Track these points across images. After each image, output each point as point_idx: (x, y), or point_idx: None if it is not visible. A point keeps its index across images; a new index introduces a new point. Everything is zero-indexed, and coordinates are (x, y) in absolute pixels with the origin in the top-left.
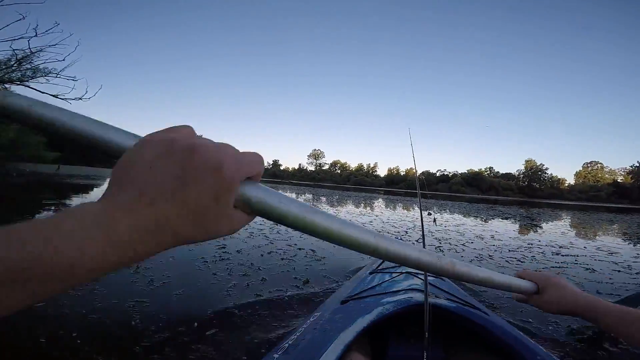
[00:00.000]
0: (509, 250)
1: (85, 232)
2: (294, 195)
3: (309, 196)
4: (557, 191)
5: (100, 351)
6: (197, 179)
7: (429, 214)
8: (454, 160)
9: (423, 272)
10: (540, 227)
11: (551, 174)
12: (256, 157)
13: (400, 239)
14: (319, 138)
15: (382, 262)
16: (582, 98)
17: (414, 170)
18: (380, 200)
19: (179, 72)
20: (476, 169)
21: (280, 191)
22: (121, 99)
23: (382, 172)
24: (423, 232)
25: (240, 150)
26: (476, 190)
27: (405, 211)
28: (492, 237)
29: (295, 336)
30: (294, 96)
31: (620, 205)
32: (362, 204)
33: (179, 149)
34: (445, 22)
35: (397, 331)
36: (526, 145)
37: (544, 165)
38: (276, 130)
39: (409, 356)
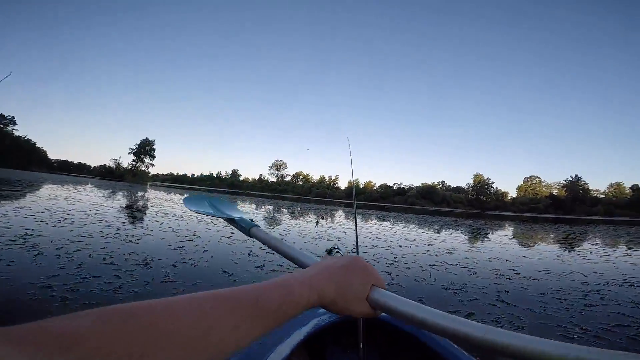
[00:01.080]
0: (585, 306)
1: (300, 295)
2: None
3: (270, 207)
4: (502, 203)
5: None
6: (354, 272)
7: (317, 222)
8: (410, 174)
9: None
10: (550, 249)
11: (497, 188)
12: (380, 275)
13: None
14: (283, 150)
15: None
16: (524, 115)
17: (351, 179)
18: (340, 212)
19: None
20: (430, 183)
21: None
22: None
23: (343, 184)
24: (357, 238)
25: None
26: (430, 203)
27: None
28: (518, 274)
29: None
30: (255, 107)
31: (557, 216)
32: (320, 217)
33: (347, 260)
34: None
35: (334, 340)
36: (475, 160)
37: (490, 179)
38: (237, 139)
39: None
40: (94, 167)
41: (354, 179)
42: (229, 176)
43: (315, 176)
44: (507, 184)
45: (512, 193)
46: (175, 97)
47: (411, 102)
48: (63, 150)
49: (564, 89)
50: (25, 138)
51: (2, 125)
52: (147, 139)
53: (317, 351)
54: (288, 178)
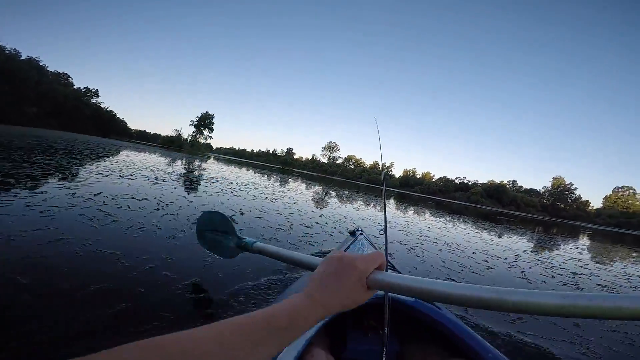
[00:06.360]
0: None
1: (306, 310)
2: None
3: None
4: (583, 213)
5: None
6: (344, 274)
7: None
8: (475, 170)
9: None
10: None
11: (578, 195)
12: (377, 256)
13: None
14: (338, 132)
15: None
16: (618, 119)
17: (381, 164)
18: (391, 201)
19: (182, 64)
20: (497, 181)
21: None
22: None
23: (398, 172)
24: (386, 221)
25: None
26: (496, 203)
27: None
28: None
29: None
30: (314, 89)
31: None
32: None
33: (335, 260)
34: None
35: (355, 323)
36: (554, 162)
37: (572, 184)
38: (293, 119)
39: (367, 350)
40: (164, 136)
41: (382, 163)
42: (284, 154)
43: (368, 161)
44: (592, 193)
45: (595, 203)
46: (240, 75)
47: (484, 87)
48: (144, 121)
49: None
50: (108, 109)
51: (87, 97)
52: (207, 112)
53: (338, 335)
54: (340, 160)
